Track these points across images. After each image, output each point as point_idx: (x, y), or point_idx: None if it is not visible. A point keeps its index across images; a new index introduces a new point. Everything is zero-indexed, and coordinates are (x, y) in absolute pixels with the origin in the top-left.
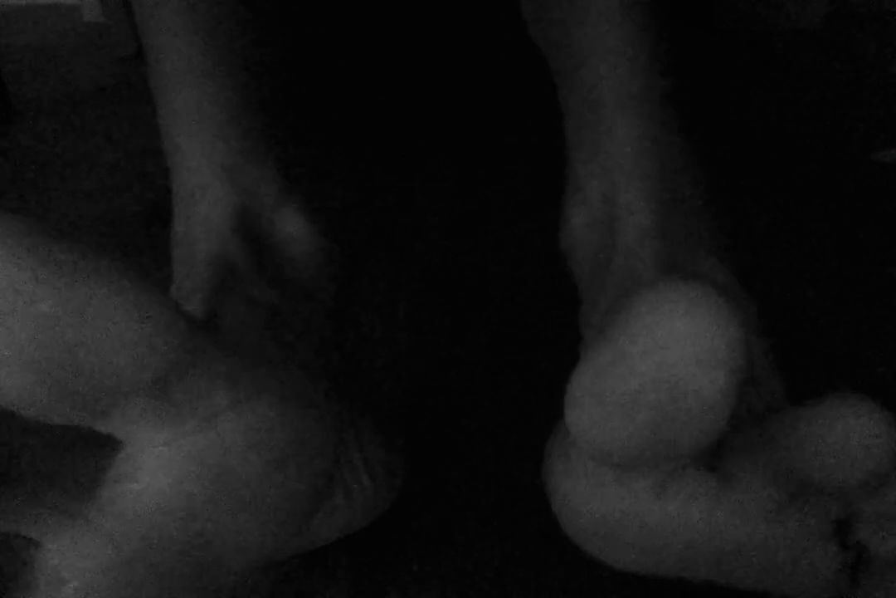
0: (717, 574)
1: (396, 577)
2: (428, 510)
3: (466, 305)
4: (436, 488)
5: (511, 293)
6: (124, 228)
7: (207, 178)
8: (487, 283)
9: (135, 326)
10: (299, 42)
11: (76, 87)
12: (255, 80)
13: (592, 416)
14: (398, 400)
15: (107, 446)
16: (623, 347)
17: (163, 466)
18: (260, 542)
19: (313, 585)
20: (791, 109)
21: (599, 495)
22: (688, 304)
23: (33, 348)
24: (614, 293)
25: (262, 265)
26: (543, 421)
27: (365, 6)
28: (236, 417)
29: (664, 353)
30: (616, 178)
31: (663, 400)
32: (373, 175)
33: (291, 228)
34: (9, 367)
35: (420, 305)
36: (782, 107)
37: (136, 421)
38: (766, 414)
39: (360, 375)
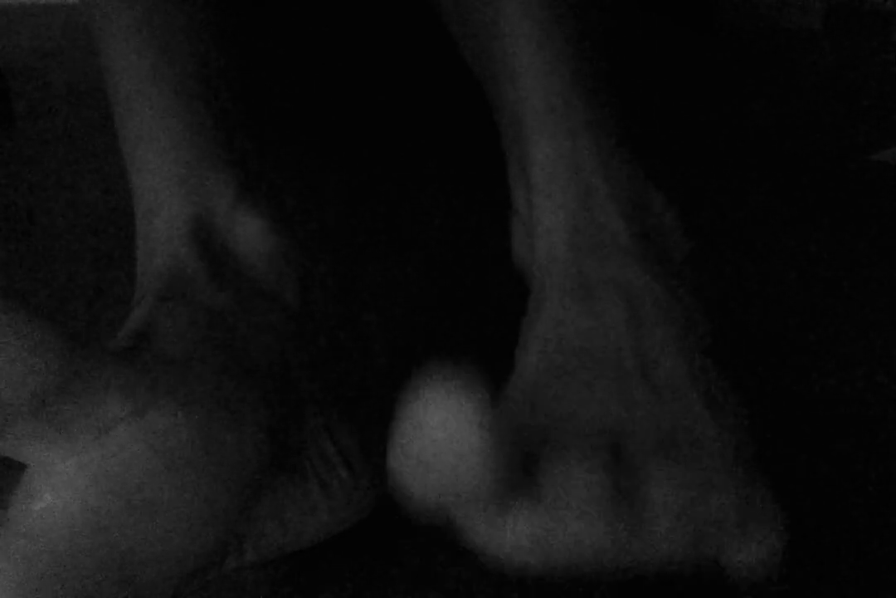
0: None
1: (396, 577)
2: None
3: (467, 304)
4: None
5: (512, 293)
6: (125, 229)
7: (162, 193)
8: (488, 282)
9: (2, 349)
10: (292, 43)
11: (76, 88)
12: (211, 89)
13: (400, 479)
14: (394, 397)
15: (13, 467)
16: (402, 433)
17: (65, 482)
18: (183, 549)
19: (313, 585)
20: (791, 108)
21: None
22: (439, 400)
23: None
24: (530, 316)
25: (219, 272)
26: None
27: (362, 6)
28: (134, 426)
29: (425, 439)
30: (536, 201)
31: (435, 476)
32: (372, 174)
33: (248, 229)
34: None
35: (420, 304)
36: (782, 107)
37: (29, 441)
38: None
39: (335, 370)
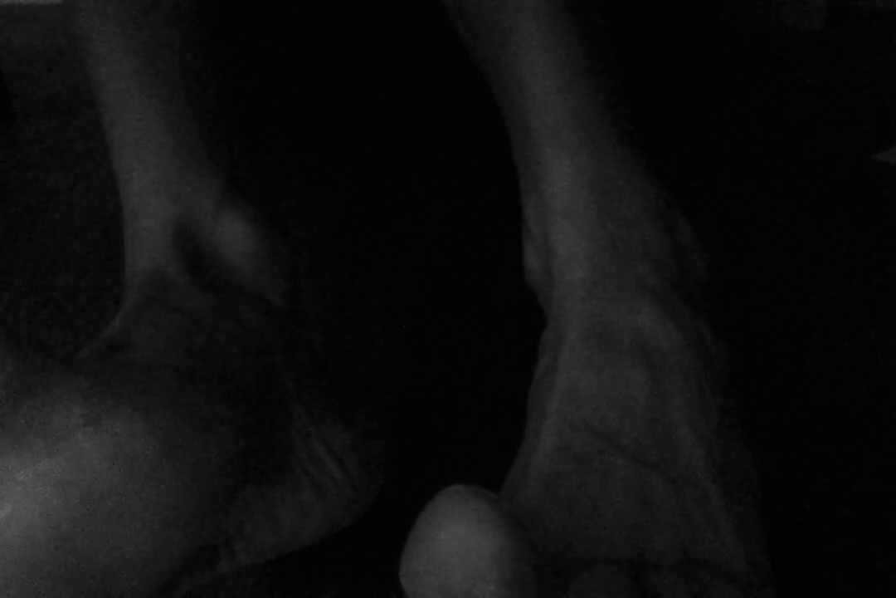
0: None
1: (396, 577)
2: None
3: (467, 305)
4: (436, 488)
5: (512, 293)
6: (123, 229)
7: (146, 197)
8: (488, 283)
9: None
10: (292, 43)
11: (76, 88)
12: (196, 94)
13: None
14: (393, 397)
15: None
16: (410, 563)
17: (24, 491)
18: (152, 555)
19: (313, 585)
20: (791, 108)
21: None
22: (456, 521)
23: None
24: (546, 354)
25: (202, 275)
26: None
27: (363, 5)
28: (93, 433)
29: (443, 569)
30: (551, 221)
31: None
32: (374, 174)
33: (233, 232)
34: None
35: (420, 304)
36: (782, 107)
37: None
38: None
39: (330, 370)
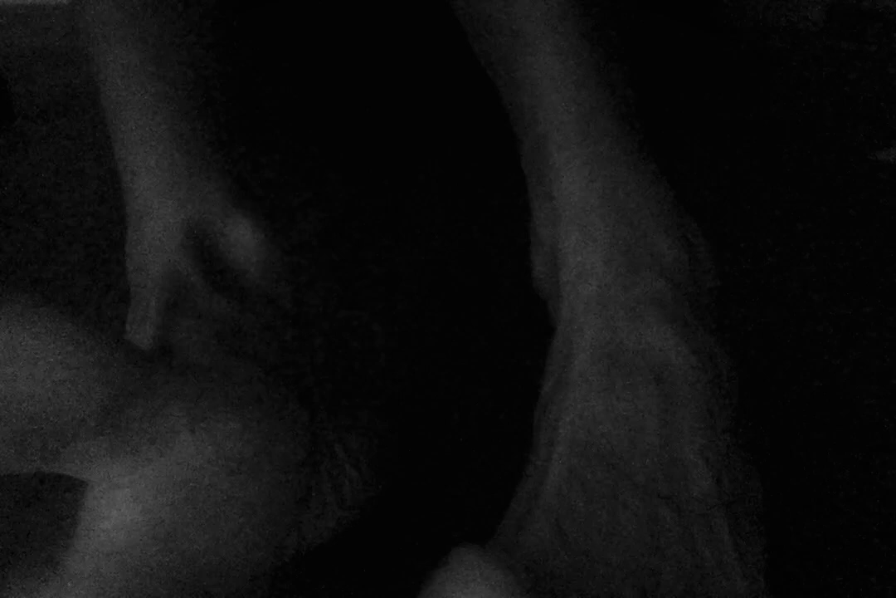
0: None
1: (396, 578)
2: (430, 510)
3: (470, 304)
4: (436, 488)
5: (511, 293)
6: (123, 230)
7: (153, 198)
8: (488, 283)
9: (67, 363)
10: (296, 43)
11: (76, 88)
12: (204, 94)
13: None
14: (396, 397)
15: (67, 492)
16: None
17: (130, 497)
18: (246, 552)
19: (313, 585)
20: (791, 108)
21: None
22: (470, 588)
23: None
24: (555, 371)
25: (216, 278)
26: None
27: (364, 7)
28: (196, 435)
29: None
30: (562, 229)
31: None
32: (372, 176)
33: (242, 234)
34: None
35: (419, 304)
36: (782, 107)
37: (91, 458)
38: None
39: (337, 370)
